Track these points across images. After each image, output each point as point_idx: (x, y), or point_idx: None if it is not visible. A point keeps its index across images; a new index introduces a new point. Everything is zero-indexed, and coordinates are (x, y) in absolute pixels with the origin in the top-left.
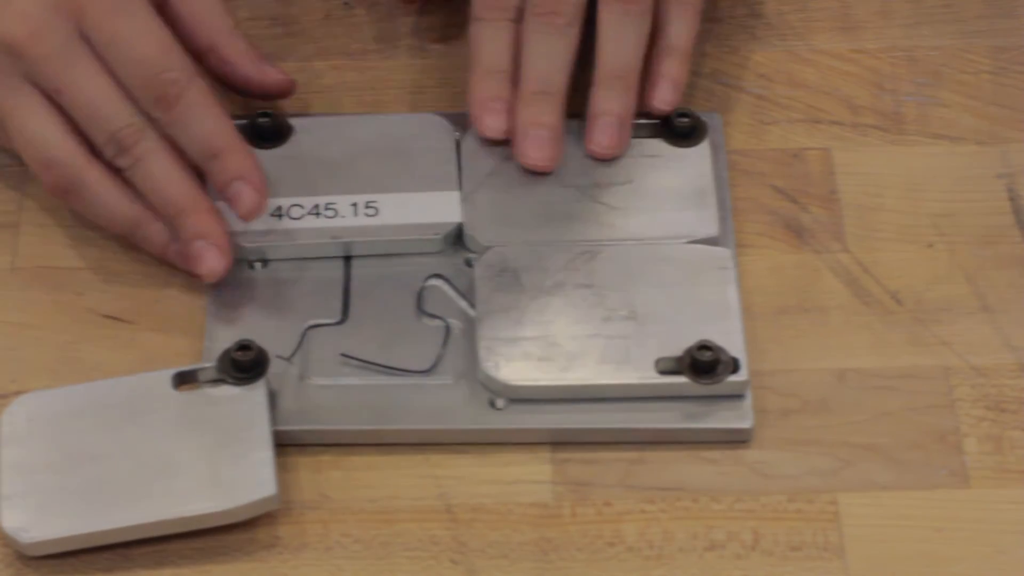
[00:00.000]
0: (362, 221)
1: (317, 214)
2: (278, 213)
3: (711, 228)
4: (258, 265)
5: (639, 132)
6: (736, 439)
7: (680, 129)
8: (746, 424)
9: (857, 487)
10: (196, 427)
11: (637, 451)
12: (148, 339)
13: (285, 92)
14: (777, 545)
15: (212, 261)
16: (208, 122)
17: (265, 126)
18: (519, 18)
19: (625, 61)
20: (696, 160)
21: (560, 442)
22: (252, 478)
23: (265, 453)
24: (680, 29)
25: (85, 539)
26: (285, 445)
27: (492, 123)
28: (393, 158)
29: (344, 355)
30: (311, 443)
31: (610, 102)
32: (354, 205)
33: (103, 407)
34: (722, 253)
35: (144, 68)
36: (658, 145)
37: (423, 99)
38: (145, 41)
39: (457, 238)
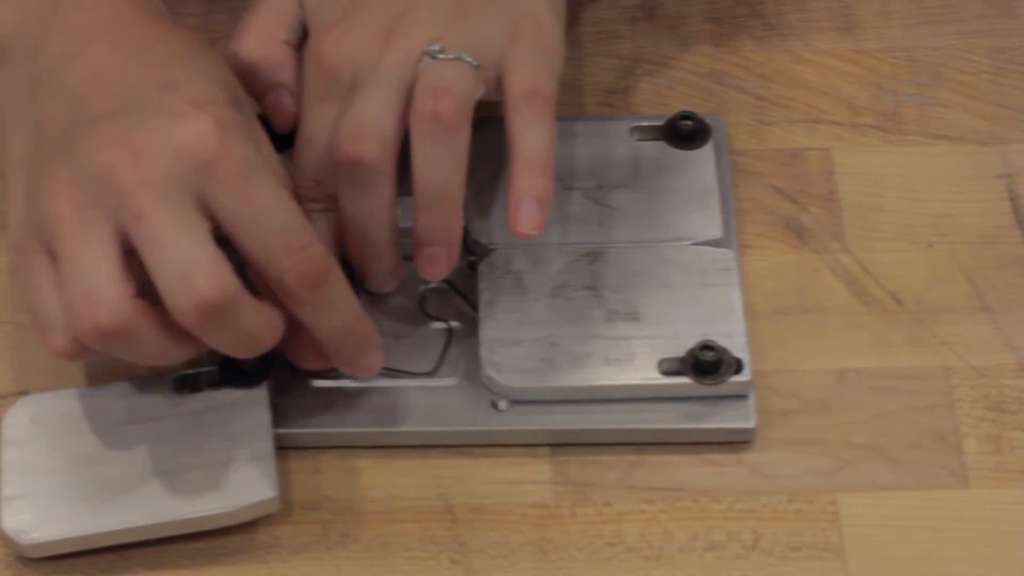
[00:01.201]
0: None
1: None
2: None
3: (715, 230)
4: None
5: (643, 134)
6: (739, 439)
7: (684, 131)
8: (749, 424)
9: (857, 487)
10: (197, 430)
11: (637, 451)
12: None
13: None
14: (777, 545)
15: (377, 366)
16: (348, 304)
17: (272, 129)
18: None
19: (444, 184)
20: (699, 162)
21: (563, 443)
22: (253, 480)
23: (266, 456)
24: (536, 139)
25: (86, 541)
26: (286, 447)
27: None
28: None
29: None
30: (312, 445)
31: (433, 231)
32: None
33: (105, 409)
34: (725, 255)
35: (285, 239)
36: (661, 147)
37: None
38: (285, 211)
39: None
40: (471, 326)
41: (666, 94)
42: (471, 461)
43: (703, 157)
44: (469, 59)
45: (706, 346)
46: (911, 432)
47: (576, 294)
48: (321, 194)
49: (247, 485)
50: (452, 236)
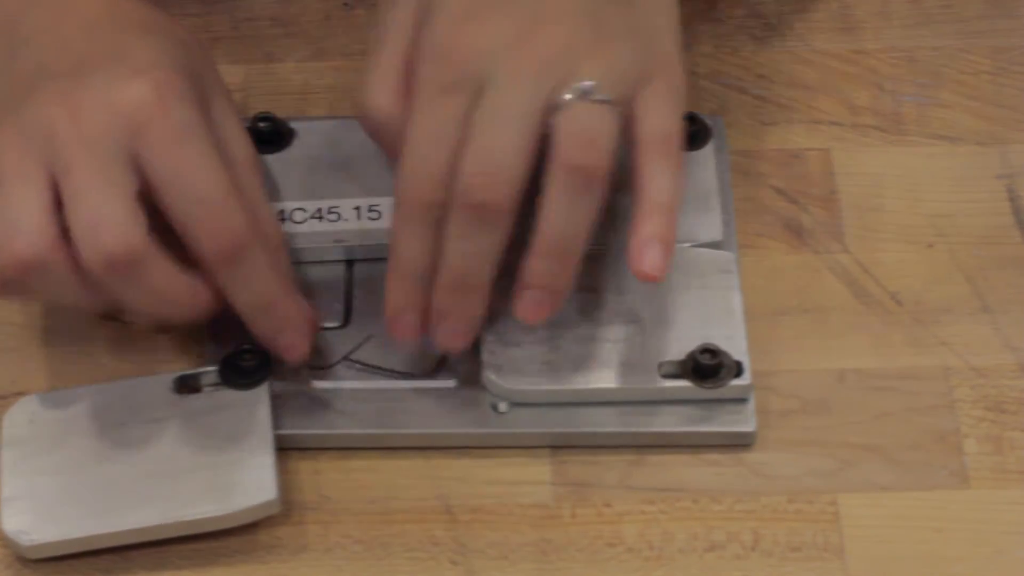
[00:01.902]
0: (365, 224)
1: (320, 218)
2: (280, 217)
3: (715, 232)
4: None
5: None
6: (739, 442)
7: (685, 133)
8: (749, 428)
9: (857, 488)
10: (197, 431)
11: (637, 452)
12: (148, 340)
13: None
14: (777, 546)
15: (300, 347)
16: (265, 278)
17: (266, 130)
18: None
19: (574, 237)
20: (700, 164)
21: (563, 446)
22: (253, 482)
23: (266, 457)
24: (665, 185)
25: (85, 542)
26: (286, 448)
27: (405, 336)
28: (395, 161)
29: (348, 359)
30: (313, 447)
31: (548, 278)
32: (357, 209)
33: (104, 410)
34: (726, 257)
35: (204, 209)
36: None
37: None
38: (213, 181)
39: None
40: None
41: None
42: (471, 462)
43: (703, 158)
44: (614, 104)
45: (706, 349)
46: (911, 432)
47: (576, 296)
48: (428, 220)
49: (248, 487)
50: (563, 284)
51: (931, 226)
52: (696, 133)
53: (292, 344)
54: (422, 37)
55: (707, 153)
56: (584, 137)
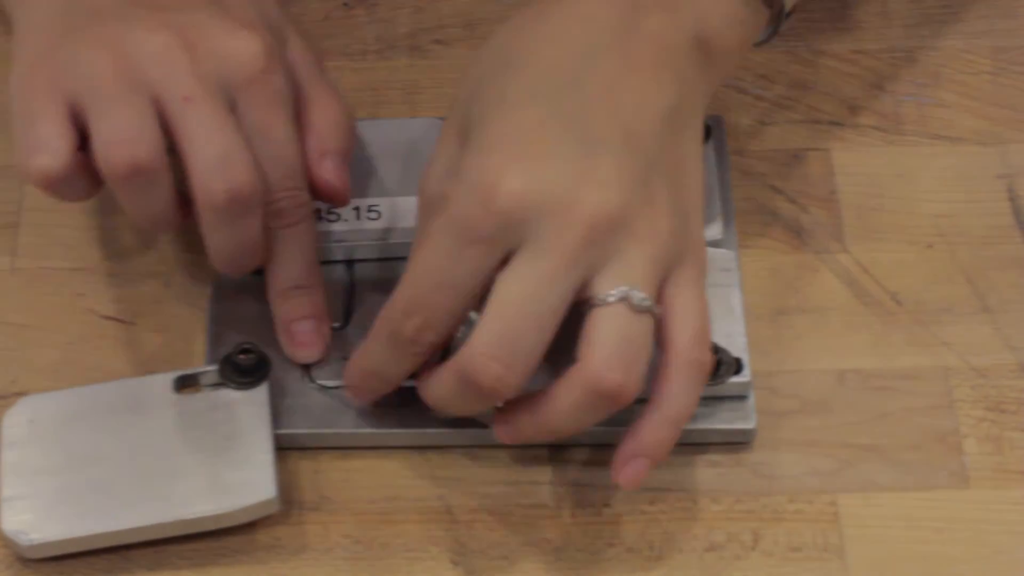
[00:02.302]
0: (364, 225)
1: (320, 218)
2: None
3: (715, 231)
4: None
5: None
6: (739, 440)
7: None
8: (749, 425)
9: (857, 488)
10: (197, 430)
11: None
12: (148, 340)
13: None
14: (777, 546)
15: (314, 343)
16: (310, 255)
17: None
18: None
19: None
20: None
21: (563, 446)
22: (252, 481)
23: (266, 457)
24: (686, 403)
25: (85, 542)
26: (286, 448)
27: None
28: (395, 162)
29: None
30: (312, 446)
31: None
32: (356, 209)
33: (104, 410)
34: (726, 255)
35: (282, 173)
36: None
37: (422, 100)
38: (293, 150)
39: None
40: (472, 328)
41: None
42: (471, 462)
43: (703, 158)
44: (651, 303)
45: None
46: (911, 432)
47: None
48: (406, 349)
49: (247, 486)
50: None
51: (931, 226)
52: None
53: (308, 336)
54: (464, 155)
55: (707, 153)
56: (619, 357)
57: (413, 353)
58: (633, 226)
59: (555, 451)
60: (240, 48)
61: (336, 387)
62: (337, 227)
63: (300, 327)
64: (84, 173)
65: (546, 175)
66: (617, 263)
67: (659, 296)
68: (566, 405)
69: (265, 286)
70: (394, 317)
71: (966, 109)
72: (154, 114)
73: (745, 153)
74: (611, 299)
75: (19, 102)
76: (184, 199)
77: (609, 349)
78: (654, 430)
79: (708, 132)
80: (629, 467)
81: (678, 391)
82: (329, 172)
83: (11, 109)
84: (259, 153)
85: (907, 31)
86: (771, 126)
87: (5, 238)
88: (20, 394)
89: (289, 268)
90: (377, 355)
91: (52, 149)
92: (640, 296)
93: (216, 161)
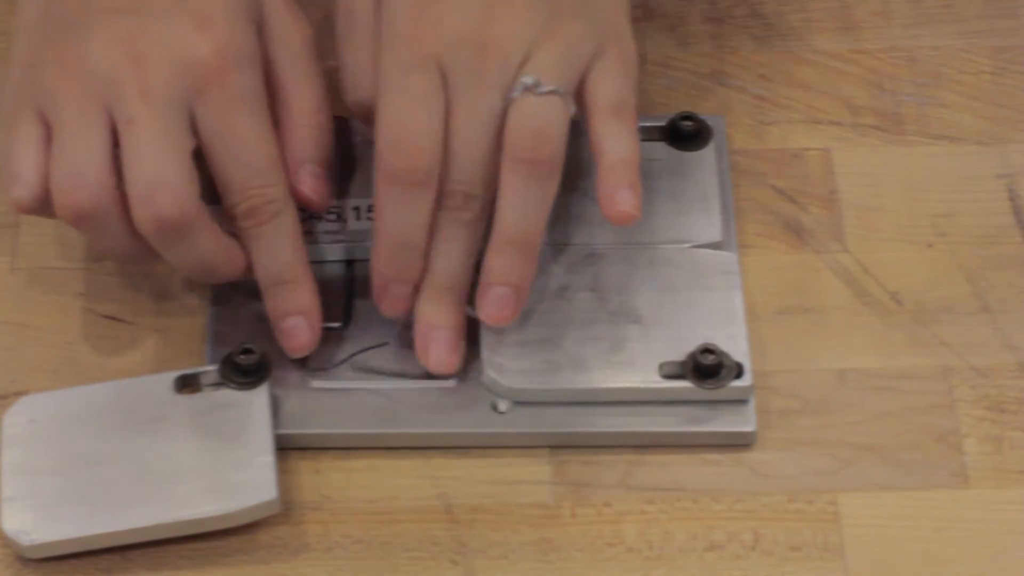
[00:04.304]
0: (364, 225)
1: (320, 218)
2: None
3: (714, 233)
4: None
5: (644, 135)
6: (739, 443)
7: (684, 132)
8: (749, 428)
9: (857, 487)
10: (197, 431)
11: (637, 452)
12: (148, 340)
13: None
14: (777, 545)
15: (305, 338)
16: (290, 249)
17: None
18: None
19: (529, 227)
20: (700, 164)
21: (563, 446)
22: (253, 482)
23: (266, 457)
24: (624, 144)
25: (86, 542)
26: (287, 448)
27: (392, 309)
28: None
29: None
30: (313, 447)
31: (508, 272)
32: (356, 209)
33: (105, 410)
34: (728, 257)
35: (247, 173)
36: (662, 149)
37: None
38: (258, 148)
39: None
40: (472, 327)
41: (666, 94)
42: (471, 461)
43: (704, 159)
44: (562, 90)
45: (706, 349)
46: (911, 432)
47: (578, 295)
48: (411, 188)
49: (248, 487)
50: (526, 280)
51: (931, 226)
52: (696, 133)
53: (298, 331)
54: (382, 24)
55: (707, 153)
56: (535, 129)
57: (415, 191)
58: (539, 37)
59: (555, 451)
60: (193, 53)
61: (336, 387)
62: (337, 227)
63: (288, 323)
64: None
65: (455, 8)
66: (529, 69)
67: (581, 87)
68: (510, 197)
69: None
70: (388, 159)
71: (966, 109)
72: (107, 143)
73: (745, 153)
74: (516, 94)
75: (5, 125)
76: None
77: (520, 130)
78: (612, 171)
79: (708, 132)
80: (617, 197)
81: (609, 136)
82: (306, 184)
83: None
84: (222, 155)
85: (907, 31)
86: (771, 126)
87: (5, 238)
88: (20, 394)
89: (269, 265)
90: (391, 211)
91: (24, 181)
92: (545, 84)
93: (142, 188)
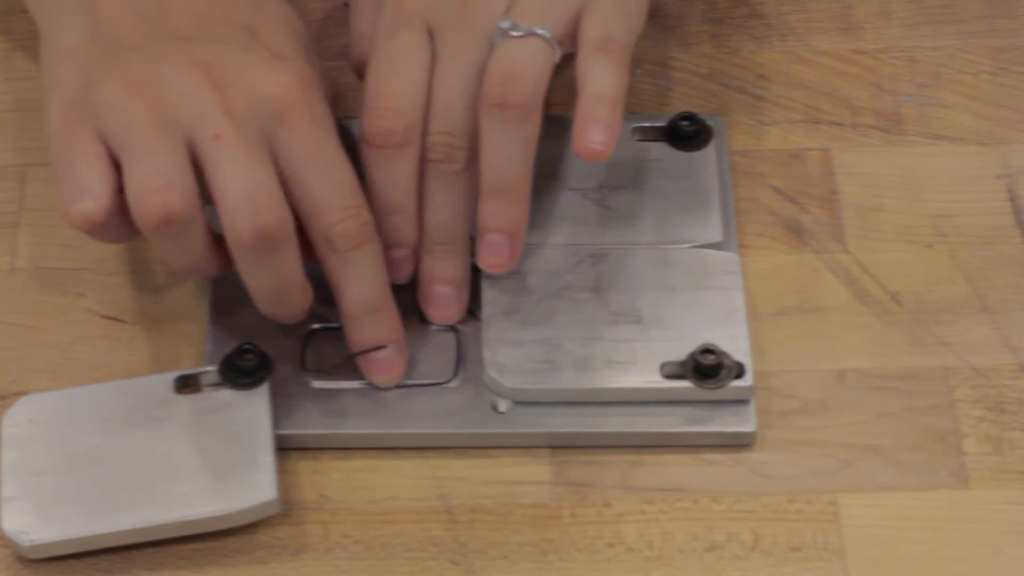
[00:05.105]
0: None
1: None
2: None
3: (714, 234)
4: None
5: (644, 135)
6: (739, 443)
7: (684, 132)
8: (749, 428)
9: (857, 488)
10: (197, 431)
11: (637, 452)
12: (148, 340)
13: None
14: (777, 546)
15: (397, 371)
16: (382, 275)
17: None
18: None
19: (511, 171)
20: (700, 164)
21: (563, 446)
22: (253, 482)
23: (266, 458)
24: (605, 79)
25: (85, 542)
26: (287, 448)
27: (393, 275)
28: None
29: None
30: (313, 447)
31: (496, 218)
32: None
33: (105, 410)
34: (729, 258)
35: (339, 193)
36: (663, 149)
37: None
38: (345, 169)
39: None
40: (473, 327)
41: (666, 94)
42: (471, 462)
43: (703, 158)
44: (543, 31)
45: (707, 350)
46: (911, 432)
47: (579, 296)
48: (399, 150)
49: (248, 487)
50: (517, 225)
51: (931, 226)
52: (696, 133)
53: (391, 363)
54: None
55: (707, 153)
56: (506, 72)
57: (403, 153)
58: None
59: (555, 451)
60: (273, 83)
61: (336, 387)
62: None
63: (380, 353)
64: (125, 216)
65: None
66: (512, 14)
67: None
68: (488, 142)
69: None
70: (375, 119)
71: (966, 109)
72: (186, 157)
73: (745, 153)
74: (497, 40)
75: (58, 145)
76: (224, 246)
77: (492, 74)
78: (589, 105)
79: (708, 132)
80: (588, 133)
81: (594, 70)
82: None
83: (49, 149)
84: (312, 180)
85: (907, 31)
86: (771, 126)
87: (5, 238)
88: (20, 394)
89: (362, 291)
90: (382, 174)
91: (93, 193)
92: (519, 27)
93: (242, 198)
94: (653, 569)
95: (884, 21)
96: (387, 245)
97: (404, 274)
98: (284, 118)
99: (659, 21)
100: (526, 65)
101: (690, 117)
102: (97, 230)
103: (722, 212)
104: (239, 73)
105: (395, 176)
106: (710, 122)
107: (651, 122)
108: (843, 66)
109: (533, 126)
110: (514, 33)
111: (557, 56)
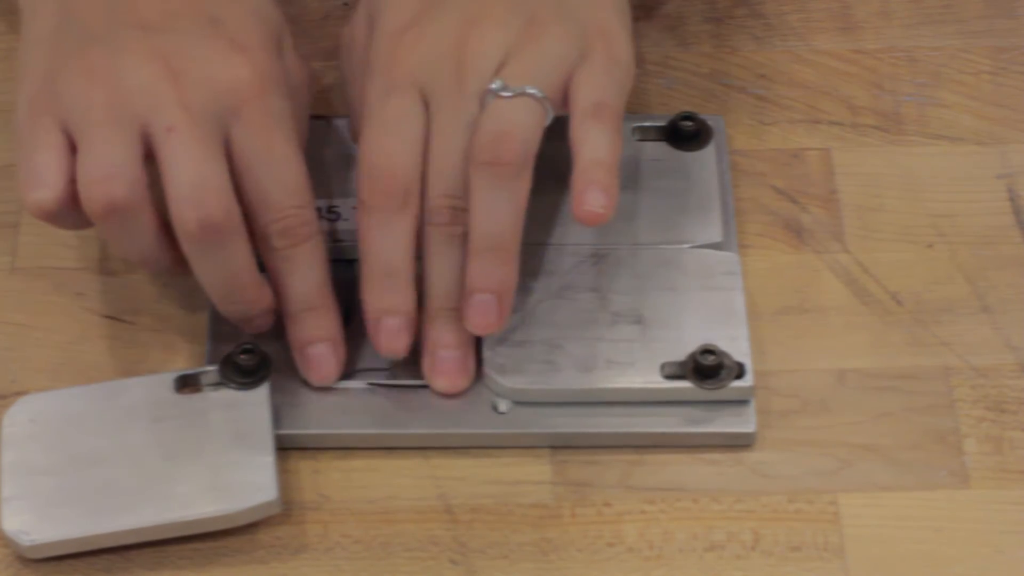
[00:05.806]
0: None
1: (320, 217)
2: None
3: (714, 234)
4: None
5: (644, 135)
6: (739, 443)
7: (685, 132)
8: (749, 428)
9: (857, 487)
10: (197, 431)
11: (636, 452)
12: (148, 340)
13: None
14: (777, 546)
15: (332, 367)
16: (321, 274)
17: None
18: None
19: (501, 230)
20: (700, 164)
21: (563, 446)
22: (253, 482)
23: (266, 458)
24: (600, 144)
25: (85, 542)
26: (287, 448)
27: (389, 345)
28: None
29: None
30: (313, 447)
31: (485, 278)
32: (355, 208)
33: (105, 410)
34: (730, 259)
35: (284, 192)
36: (663, 149)
37: None
38: (294, 167)
39: None
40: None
41: (666, 94)
42: (471, 461)
43: (703, 158)
44: (534, 91)
45: (707, 350)
46: (911, 432)
47: (580, 296)
48: (395, 213)
49: (248, 487)
50: (506, 284)
51: (931, 226)
52: (696, 133)
53: (324, 360)
54: (368, 54)
55: (707, 153)
56: (497, 132)
57: (400, 216)
58: (515, 47)
59: (555, 451)
60: (230, 75)
61: (336, 387)
62: (337, 227)
63: (314, 350)
64: (79, 206)
65: (434, 32)
66: (503, 75)
67: (565, 91)
68: (477, 202)
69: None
70: (371, 183)
71: (966, 109)
72: (138, 149)
73: (745, 153)
74: (489, 100)
75: (21, 133)
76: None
77: (482, 134)
78: (585, 172)
79: (708, 132)
80: (587, 197)
81: (588, 136)
82: None
83: (14, 137)
84: (259, 175)
85: (907, 31)
86: (771, 126)
87: (5, 238)
88: (20, 394)
89: (299, 289)
90: (377, 238)
91: (46, 182)
92: (510, 88)
93: (189, 189)
94: (653, 569)
95: (884, 21)
96: (383, 311)
97: (401, 345)
98: (238, 112)
99: (659, 21)
100: (517, 124)
101: (690, 117)
102: (53, 218)
103: (722, 212)
104: (198, 64)
105: (393, 238)
106: (710, 122)
107: (651, 122)
108: (843, 66)
109: (524, 184)
110: (505, 94)
111: (549, 117)
